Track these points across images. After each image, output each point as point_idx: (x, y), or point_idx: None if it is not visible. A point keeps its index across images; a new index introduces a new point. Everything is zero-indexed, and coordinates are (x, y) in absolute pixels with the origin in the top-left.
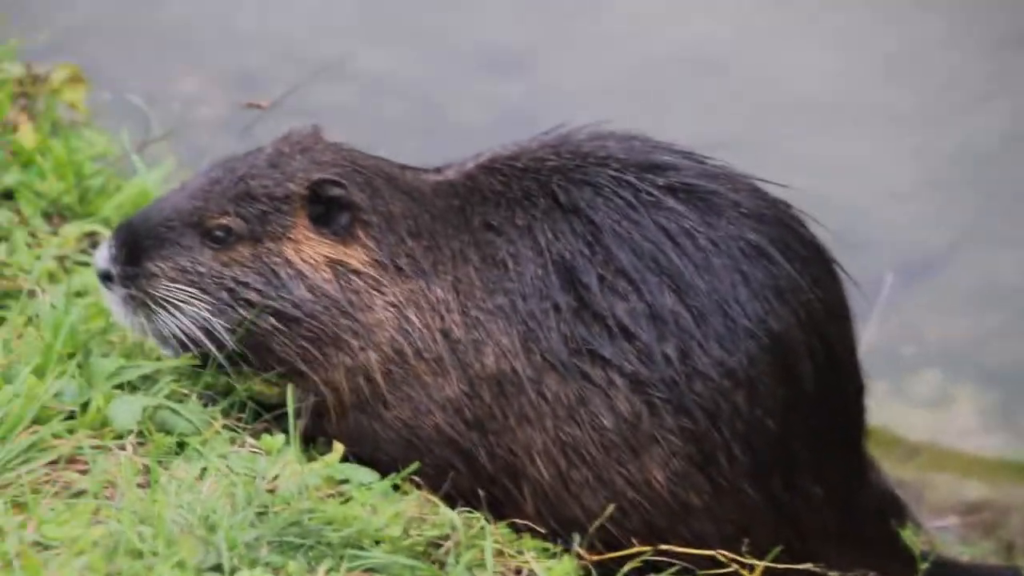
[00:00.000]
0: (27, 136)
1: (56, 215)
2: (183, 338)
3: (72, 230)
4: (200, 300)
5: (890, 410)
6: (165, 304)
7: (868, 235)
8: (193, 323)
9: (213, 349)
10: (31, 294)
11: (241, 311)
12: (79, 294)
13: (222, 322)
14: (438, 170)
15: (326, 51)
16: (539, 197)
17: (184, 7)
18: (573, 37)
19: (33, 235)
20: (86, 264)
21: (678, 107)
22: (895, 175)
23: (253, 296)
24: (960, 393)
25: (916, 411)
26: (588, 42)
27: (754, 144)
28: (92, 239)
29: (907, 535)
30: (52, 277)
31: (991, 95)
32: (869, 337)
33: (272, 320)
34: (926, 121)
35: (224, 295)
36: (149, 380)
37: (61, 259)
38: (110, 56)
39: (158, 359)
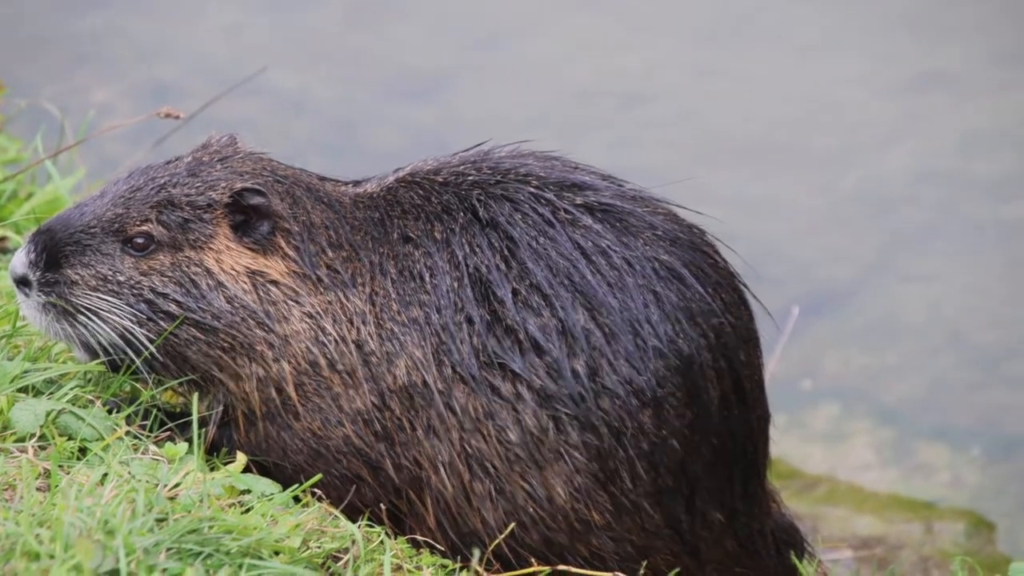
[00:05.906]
0: None
1: None
2: (104, 345)
3: None
4: (120, 309)
5: (788, 442)
6: (86, 312)
7: (775, 269)
8: (114, 331)
9: (132, 356)
10: None
11: (161, 322)
12: None
13: (143, 331)
14: (357, 183)
15: (239, 68)
16: (458, 211)
17: (98, 19)
18: (489, 65)
19: None
20: None
21: (593, 137)
22: (803, 212)
23: (172, 308)
24: (856, 428)
25: (813, 444)
26: (504, 71)
27: (667, 176)
28: (1, 244)
29: (803, 567)
30: None
31: (898, 136)
32: (771, 369)
33: (192, 330)
34: (834, 160)
35: (143, 306)
36: (54, 384)
37: None
38: (25, 65)
39: (64, 363)
